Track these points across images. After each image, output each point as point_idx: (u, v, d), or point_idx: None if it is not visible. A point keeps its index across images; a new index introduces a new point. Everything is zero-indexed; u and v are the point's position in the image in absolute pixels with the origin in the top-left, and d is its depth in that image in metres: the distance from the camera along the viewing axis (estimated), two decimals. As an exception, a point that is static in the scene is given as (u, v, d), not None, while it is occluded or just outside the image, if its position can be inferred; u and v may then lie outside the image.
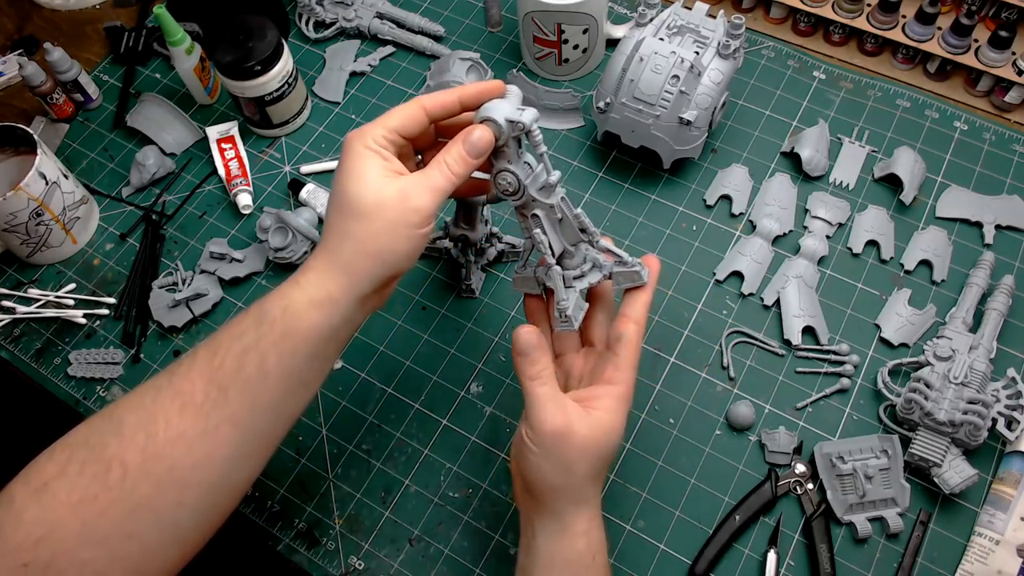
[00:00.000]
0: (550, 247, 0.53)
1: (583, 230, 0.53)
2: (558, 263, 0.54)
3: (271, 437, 0.49)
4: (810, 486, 0.62)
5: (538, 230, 0.52)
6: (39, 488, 0.44)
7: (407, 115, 0.49)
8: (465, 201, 0.64)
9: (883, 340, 0.68)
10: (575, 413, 0.49)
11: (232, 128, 0.84)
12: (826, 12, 0.84)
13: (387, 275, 0.48)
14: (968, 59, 0.80)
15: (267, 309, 0.47)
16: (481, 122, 0.49)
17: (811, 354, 0.67)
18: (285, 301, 0.47)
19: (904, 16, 0.82)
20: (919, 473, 0.61)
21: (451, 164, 0.49)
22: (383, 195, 0.47)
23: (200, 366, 0.46)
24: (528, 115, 0.49)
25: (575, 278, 0.54)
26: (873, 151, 0.77)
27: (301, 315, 0.46)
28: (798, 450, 0.63)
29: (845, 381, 0.66)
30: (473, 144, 0.49)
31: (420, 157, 0.56)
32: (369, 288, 0.48)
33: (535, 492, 0.51)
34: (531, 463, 0.50)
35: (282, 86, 0.78)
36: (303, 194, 0.78)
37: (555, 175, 0.51)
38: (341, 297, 0.47)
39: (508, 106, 0.49)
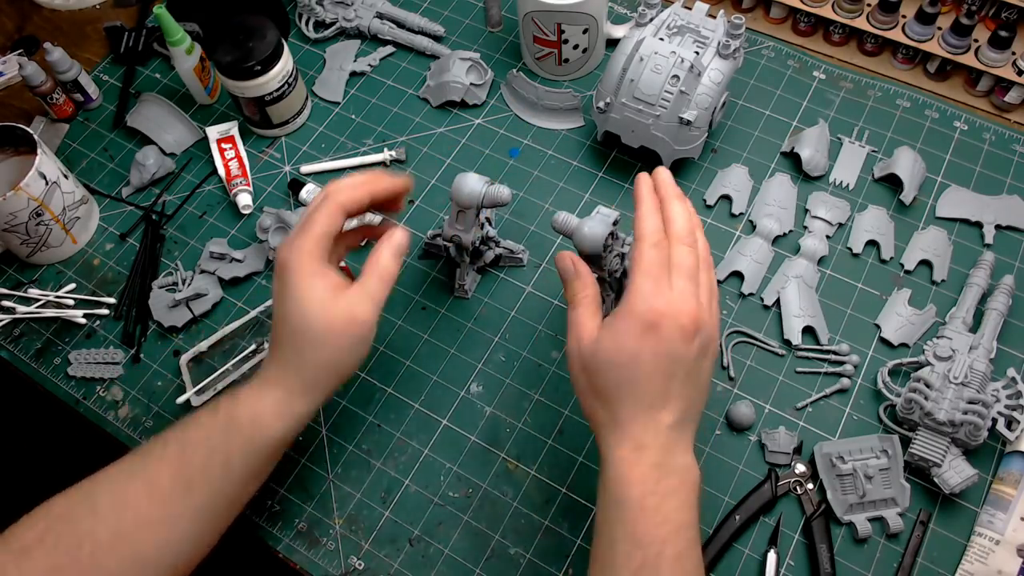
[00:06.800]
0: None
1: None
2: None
3: (227, 519, 0.55)
4: (810, 486, 0.62)
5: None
6: (20, 552, 0.49)
7: (329, 221, 0.54)
8: (460, 203, 0.64)
9: (883, 340, 0.68)
10: (594, 324, 0.51)
11: (232, 128, 0.84)
12: (826, 12, 0.84)
13: (343, 382, 0.56)
14: (968, 59, 0.80)
15: (236, 416, 0.53)
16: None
17: (811, 354, 0.67)
18: (252, 412, 0.53)
19: (904, 16, 0.82)
20: (919, 473, 0.61)
21: (386, 268, 0.55)
22: (333, 321, 0.52)
23: (170, 458, 0.52)
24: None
25: None
26: (873, 151, 0.77)
27: (268, 426, 0.53)
28: (798, 450, 0.63)
29: (845, 381, 0.66)
30: (400, 246, 0.56)
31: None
32: (327, 397, 0.55)
33: (584, 409, 0.52)
34: (572, 377, 0.52)
35: (282, 86, 0.78)
36: (303, 194, 0.78)
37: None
38: (305, 411, 0.54)
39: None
